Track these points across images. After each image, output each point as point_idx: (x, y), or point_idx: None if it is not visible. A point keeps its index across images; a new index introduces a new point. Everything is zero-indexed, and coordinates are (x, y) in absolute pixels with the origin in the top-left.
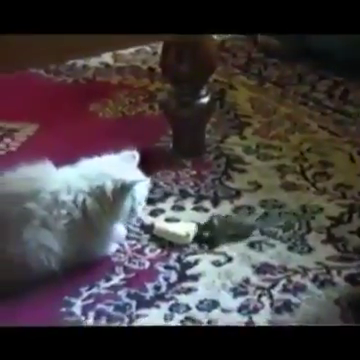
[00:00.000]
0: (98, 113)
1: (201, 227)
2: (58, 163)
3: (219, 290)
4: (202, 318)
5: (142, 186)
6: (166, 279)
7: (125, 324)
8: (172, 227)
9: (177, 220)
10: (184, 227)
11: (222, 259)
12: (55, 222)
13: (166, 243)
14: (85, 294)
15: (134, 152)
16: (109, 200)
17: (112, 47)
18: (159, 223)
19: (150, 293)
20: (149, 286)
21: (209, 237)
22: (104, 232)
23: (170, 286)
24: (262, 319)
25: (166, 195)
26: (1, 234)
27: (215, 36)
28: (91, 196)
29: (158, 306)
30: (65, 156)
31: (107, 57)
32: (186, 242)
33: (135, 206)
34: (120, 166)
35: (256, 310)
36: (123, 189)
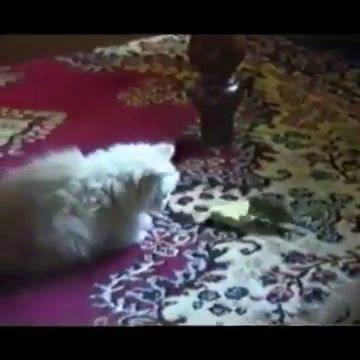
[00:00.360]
0: (126, 101)
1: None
2: (86, 151)
3: (248, 278)
4: (231, 306)
5: (170, 179)
6: (195, 267)
7: (154, 311)
8: (226, 210)
9: (205, 208)
10: (237, 208)
11: (251, 247)
12: (85, 209)
13: (222, 227)
14: (115, 281)
15: (170, 145)
16: (135, 187)
17: (139, 35)
18: (213, 208)
19: (179, 281)
20: (178, 274)
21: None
22: (132, 219)
23: (199, 274)
24: (291, 307)
25: (195, 183)
26: (31, 222)
27: None
28: (119, 181)
29: (187, 293)
30: (93, 144)
31: (135, 46)
32: (242, 224)
33: (160, 198)
34: (153, 157)
35: (285, 298)
36: (151, 179)
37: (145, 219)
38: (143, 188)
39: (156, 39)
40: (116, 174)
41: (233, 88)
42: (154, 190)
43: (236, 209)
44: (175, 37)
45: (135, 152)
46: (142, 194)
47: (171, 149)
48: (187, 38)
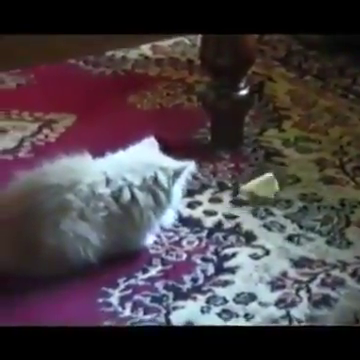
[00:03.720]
0: (136, 105)
1: None
2: (96, 154)
3: (256, 283)
4: (239, 311)
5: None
6: (203, 271)
7: (162, 316)
8: (258, 188)
9: (215, 212)
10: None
11: (260, 252)
12: (92, 214)
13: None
14: (122, 285)
15: (152, 139)
16: (165, 189)
17: (151, 39)
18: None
19: (187, 285)
20: (186, 278)
21: None
22: (144, 224)
23: (207, 278)
24: (300, 313)
25: (204, 187)
26: (39, 225)
27: None
28: (143, 189)
29: (195, 298)
30: (103, 147)
31: (146, 49)
32: (275, 191)
33: (183, 191)
34: (153, 154)
35: (294, 304)
36: (175, 176)
37: (169, 217)
38: (171, 188)
39: (167, 42)
40: (138, 182)
41: (244, 92)
42: (179, 186)
43: (265, 186)
44: (186, 41)
45: (137, 154)
46: (171, 194)
47: (155, 142)
48: (198, 42)
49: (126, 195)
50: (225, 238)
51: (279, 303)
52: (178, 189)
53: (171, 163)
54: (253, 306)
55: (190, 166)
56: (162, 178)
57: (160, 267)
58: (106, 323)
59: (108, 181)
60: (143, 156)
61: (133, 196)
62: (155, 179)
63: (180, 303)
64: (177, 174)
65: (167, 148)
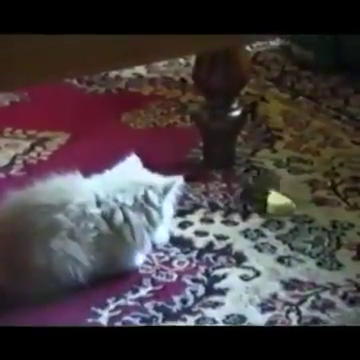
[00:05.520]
0: (130, 123)
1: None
2: (88, 173)
3: (246, 305)
4: None
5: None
6: (193, 292)
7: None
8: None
9: (206, 233)
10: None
11: (250, 273)
12: (82, 234)
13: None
14: (112, 306)
15: (135, 156)
16: (156, 207)
17: (145, 60)
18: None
19: (177, 306)
20: (176, 299)
21: None
22: (139, 244)
23: (197, 299)
24: None
25: (195, 207)
26: (29, 244)
27: (248, 48)
28: (135, 208)
29: (185, 319)
30: (96, 166)
31: (140, 68)
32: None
33: (173, 206)
34: (140, 172)
35: None
36: (165, 193)
37: (161, 235)
38: (162, 205)
39: (161, 62)
40: (130, 202)
41: (237, 112)
42: (170, 202)
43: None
44: (180, 60)
45: (123, 174)
46: (162, 211)
47: (138, 159)
48: (192, 61)
49: (119, 216)
50: (216, 259)
51: (269, 325)
52: (168, 205)
53: (159, 180)
54: None
55: (178, 181)
56: (152, 196)
57: (150, 287)
58: None
59: (99, 201)
60: (131, 175)
61: (126, 217)
62: (146, 197)
63: (170, 324)
64: (166, 190)
65: (150, 165)
